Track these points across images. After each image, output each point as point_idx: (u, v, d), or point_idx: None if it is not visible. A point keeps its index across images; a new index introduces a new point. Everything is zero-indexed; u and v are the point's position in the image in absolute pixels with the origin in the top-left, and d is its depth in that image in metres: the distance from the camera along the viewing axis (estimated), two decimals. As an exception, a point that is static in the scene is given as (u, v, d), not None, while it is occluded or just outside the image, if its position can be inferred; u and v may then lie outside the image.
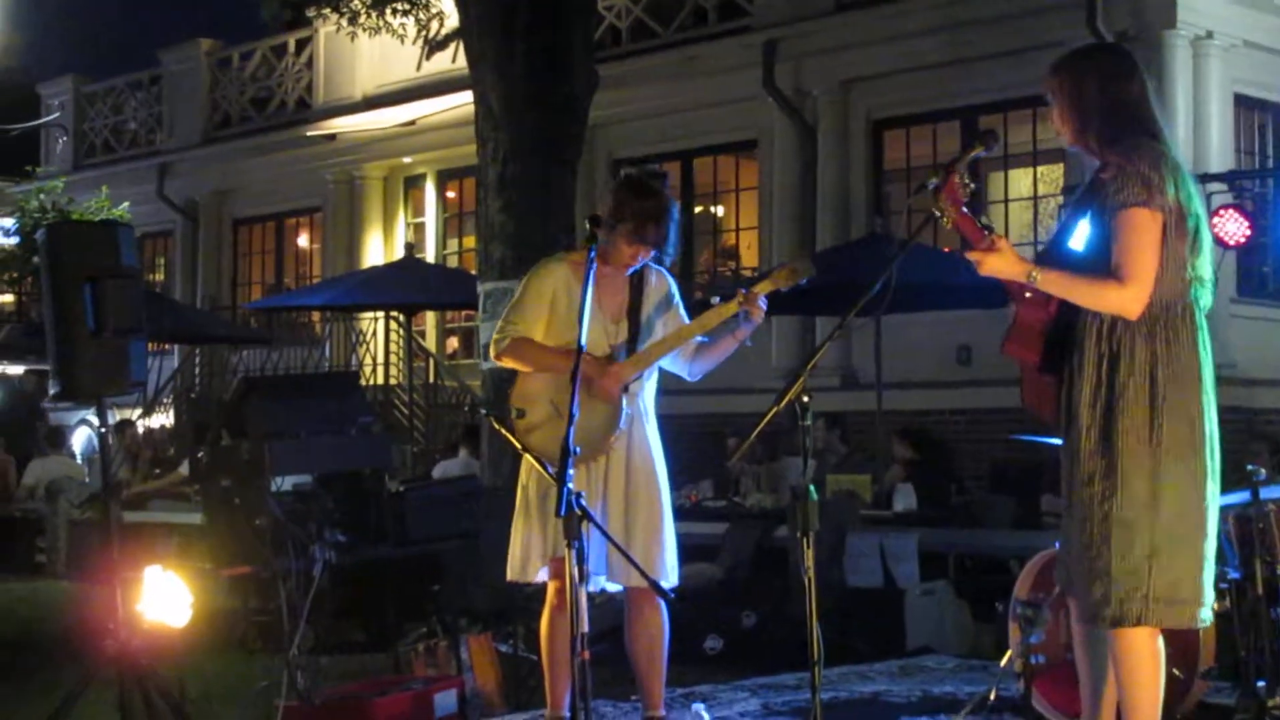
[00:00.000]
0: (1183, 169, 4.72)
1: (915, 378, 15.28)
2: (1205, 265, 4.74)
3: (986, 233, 4.71)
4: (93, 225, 8.06)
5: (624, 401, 5.75)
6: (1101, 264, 4.66)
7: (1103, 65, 4.86)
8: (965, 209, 4.78)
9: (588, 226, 5.63)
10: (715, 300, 5.79)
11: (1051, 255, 4.92)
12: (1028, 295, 4.78)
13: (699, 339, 5.94)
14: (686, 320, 5.99)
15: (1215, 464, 4.75)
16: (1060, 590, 5.14)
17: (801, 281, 5.74)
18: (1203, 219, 4.75)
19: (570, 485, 4.63)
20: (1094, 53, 5.02)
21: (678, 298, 6.08)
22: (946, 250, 15.20)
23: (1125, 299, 4.62)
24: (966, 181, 4.80)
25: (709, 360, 5.98)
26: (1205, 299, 4.75)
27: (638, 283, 5.97)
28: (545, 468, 5.09)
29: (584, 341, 5.21)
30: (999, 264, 4.68)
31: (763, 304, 5.70)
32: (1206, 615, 4.77)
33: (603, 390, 5.69)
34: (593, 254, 5.49)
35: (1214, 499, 4.74)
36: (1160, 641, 4.74)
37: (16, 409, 20.95)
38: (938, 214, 4.79)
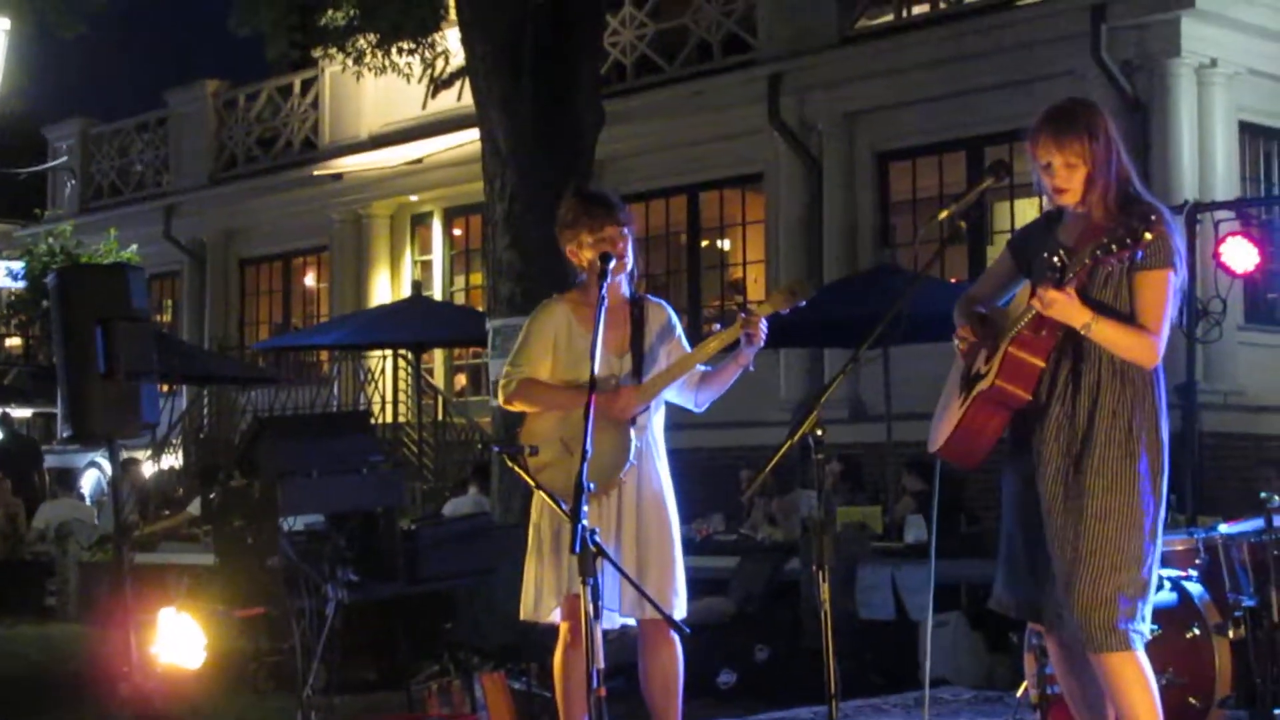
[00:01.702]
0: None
1: (924, 409, 15.17)
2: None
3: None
4: (103, 269, 8.09)
5: (633, 434, 5.74)
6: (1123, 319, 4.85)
7: (1112, 127, 4.95)
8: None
9: (599, 263, 5.63)
10: (716, 328, 5.79)
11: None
12: (1043, 333, 4.85)
13: (702, 368, 5.93)
14: (688, 349, 5.99)
15: None
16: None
17: (800, 303, 5.73)
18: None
19: (584, 521, 4.62)
20: (1101, 112, 5.02)
21: (678, 328, 6.07)
22: (955, 281, 15.22)
23: (1154, 351, 4.85)
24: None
25: (713, 389, 5.96)
26: None
27: (638, 315, 5.96)
28: (559, 504, 5.09)
29: (596, 374, 5.21)
30: (1067, 309, 4.77)
31: (763, 326, 5.70)
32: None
33: (613, 417, 5.66)
34: (604, 290, 5.50)
35: None
36: (1145, 658, 4.85)
37: (18, 453, 20.93)
38: (1097, 253, 4.78)
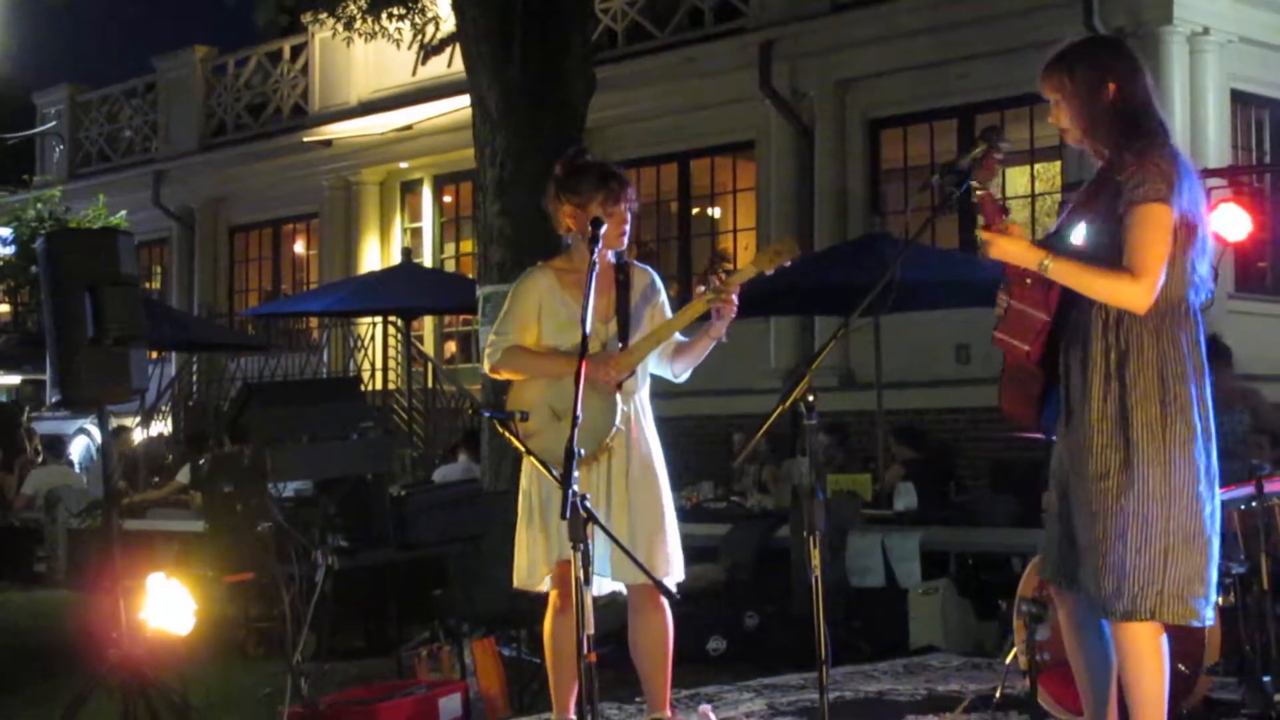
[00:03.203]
0: (1191, 171, 4.75)
1: (914, 377, 15.26)
2: (1206, 266, 4.79)
3: (1004, 215, 4.72)
4: (92, 233, 8.06)
5: (619, 400, 5.74)
6: (1105, 261, 4.68)
7: (1115, 63, 4.84)
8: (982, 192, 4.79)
9: (591, 228, 5.61)
10: (701, 290, 5.77)
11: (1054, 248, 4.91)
12: (1028, 282, 4.77)
13: (680, 337, 5.92)
14: (670, 314, 5.98)
15: (1215, 461, 4.77)
16: (1048, 586, 5.15)
17: (786, 263, 5.69)
18: (1204, 220, 4.78)
19: (575, 487, 4.61)
20: (1103, 48, 4.96)
21: (662, 293, 6.08)
22: (945, 248, 15.20)
23: (1136, 292, 4.64)
24: (1000, 157, 4.80)
25: (689, 359, 5.96)
26: (1199, 298, 4.80)
27: (623, 280, 5.98)
28: (550, 470, 5.08)
29: (584, 341, 5.19)
30: (1011, 247, 4.70)
31: (734, 299, 5.67)
32: (1211, 613, 4.78)
33: (601, 383, 5.66)
34: (594, 256, 5.48)
35: (1217, 496, 4.76)
36: (1164, 636, 4.74)
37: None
38: (974, 185, 4.76)
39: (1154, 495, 4.65)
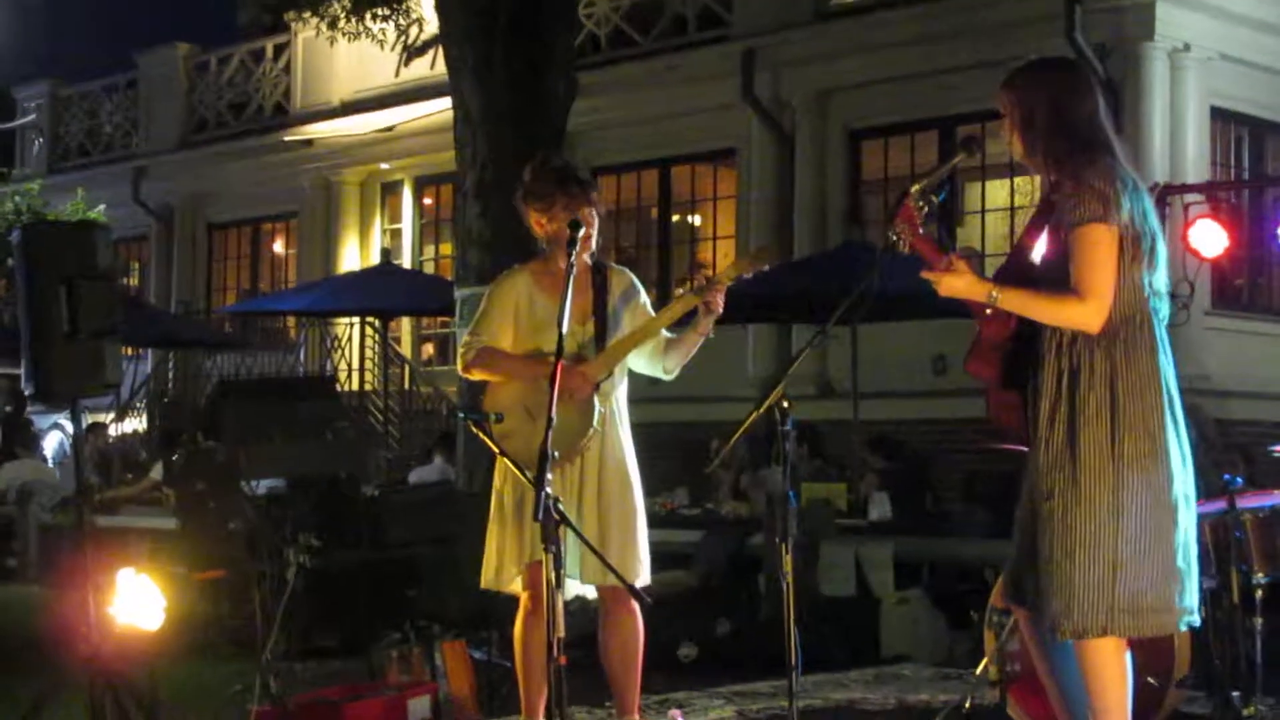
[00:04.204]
0: (1137, 184, 4.74)
1: (890, 387, 15.27)
2: (1162, 279, 4.77)
3: (945, 254, 4.72)
4: (69, 226, 8.02)
5: (596, 402, 5.74)
6: (1059, 280, 4.68)
7: (1054, 83, 4.85)
8: (922, 230, 4.78)
9: (569, 230, 5.62)
10: (680, 293, 5.80)
11: (1009, 272, 4.92)
12: (989, 312, 4.78)
13: (666, 334, 5.93)
14: (652, 314, 5.99)
15: (1185, 472, 4.74)
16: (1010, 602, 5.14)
17: (764, 268, 5.75)
18: (1159, 233, 4.77)
19: (548, 489, 4.61)
20: (1046, 69, 4.97)
21: (642, 293, 6.09)
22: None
23: (1086, 314, 4.64)
24: (920, 204, 4.80)
25: (679, 355, 5.95)
26: (1164, 311, 4.78)
27: (601, 282, 5.99)
28: (523, 472, 5.08)
29: (560, 343, 5.18)
30: (958, 284, 4.70)
31: (720, 299, 5.69)
32: (1182, 621, 4.75)
33: (575, 392, 5.66)
34: (572, 258, 5.48)
35: (1184, 506, 4.73)
36: (1126, 651, 4.73)
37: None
38: (894, 238, 4.78)
39: (1100, 513, 4.62)
